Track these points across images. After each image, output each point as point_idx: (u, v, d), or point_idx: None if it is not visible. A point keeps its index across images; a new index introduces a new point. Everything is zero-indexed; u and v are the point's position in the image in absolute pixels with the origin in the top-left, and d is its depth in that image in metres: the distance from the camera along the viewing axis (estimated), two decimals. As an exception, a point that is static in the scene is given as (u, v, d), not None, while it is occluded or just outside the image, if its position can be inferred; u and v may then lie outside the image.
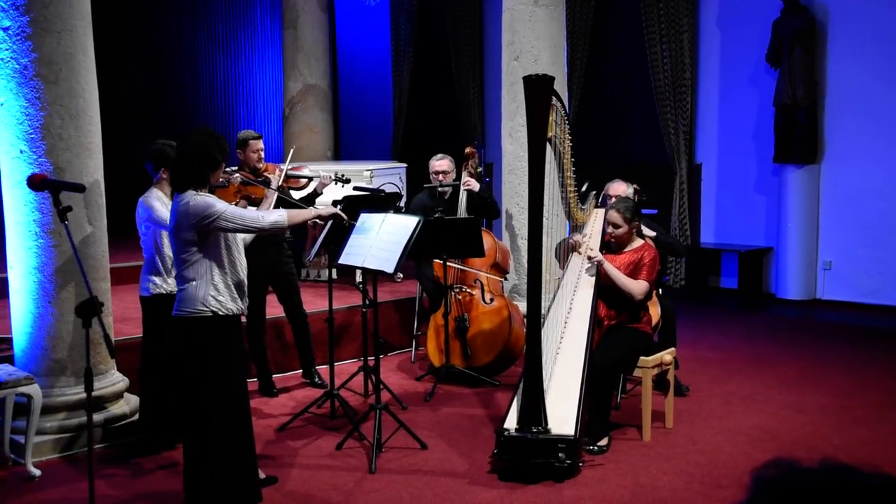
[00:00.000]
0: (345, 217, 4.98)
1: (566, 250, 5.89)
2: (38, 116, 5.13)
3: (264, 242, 5.91)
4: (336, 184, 6.48)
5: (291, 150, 6.93)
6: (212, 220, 4.13)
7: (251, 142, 6.27)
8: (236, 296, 4.27)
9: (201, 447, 4.24)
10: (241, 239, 4.45)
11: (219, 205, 4.19)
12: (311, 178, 6.47)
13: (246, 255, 4.46)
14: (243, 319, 4.59)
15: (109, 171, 5.67)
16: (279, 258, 6.40)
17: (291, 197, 6.44)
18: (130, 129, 10.50)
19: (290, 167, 6.40)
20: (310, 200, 6.49)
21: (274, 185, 5.88)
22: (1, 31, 5.09)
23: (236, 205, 4.99)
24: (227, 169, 6.41)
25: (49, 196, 4.57)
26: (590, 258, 5.55)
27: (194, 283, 4.17)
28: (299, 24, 11.06)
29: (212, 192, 4.43)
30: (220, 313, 4.18)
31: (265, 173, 6.24)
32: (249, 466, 4.41)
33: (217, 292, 4.18)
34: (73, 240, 4.31)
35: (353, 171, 8.74)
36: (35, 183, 4.50)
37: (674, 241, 6.68)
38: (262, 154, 6.35)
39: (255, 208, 5.09)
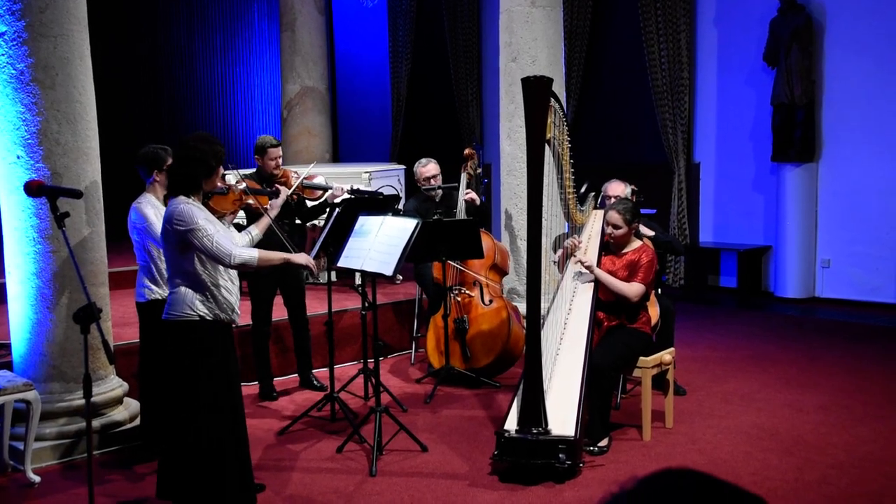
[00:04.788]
0: (313, 266, 4.70)
1: (563, 254, 5.89)
2: (35, 121, 5.12)
3: (273, 246, 5.88)
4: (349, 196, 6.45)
5: (311, 167, 6.83)
6: (189, 235, 4.09)
7: (269, 149, 6.25)
8: (224, 304, 4.21)
9: (188, 451, 4.18)
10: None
11: (200, 223, 4.10)
12: (327, 189, 6.39)
13: None
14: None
15: (107, 175, 5.67)
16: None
17: (305, 205, 6.42)
18: (128, 133, 10.49)
19: (306, 176, 6.35)
20: (320, 210, 6.47)
21: (273, 212, 5.41)
22: (-3, 36, 5.09)
23: (232, 214, 4.86)
24: (242, 173, 6.39)
25: (46, 202, 4.56)
26: (581, 264, 5.55)
27: (182, 288, 4.15)
28: (297, 26, 11.05)
29: (209, 198, 4.41)
30: (208, 319, 4.15)
31: (281, 180, 6.22)
32: (240, 472, 4.30)
33: (205, 298, 4.15)
34: (70, 246, 4.31)
35: (351, 174, 8.75)
36: (32, 189, 4.47)
37: (672, 240, 6.69)
38: (280, 161, 6.34)
39: (253, 225, 4.94)
